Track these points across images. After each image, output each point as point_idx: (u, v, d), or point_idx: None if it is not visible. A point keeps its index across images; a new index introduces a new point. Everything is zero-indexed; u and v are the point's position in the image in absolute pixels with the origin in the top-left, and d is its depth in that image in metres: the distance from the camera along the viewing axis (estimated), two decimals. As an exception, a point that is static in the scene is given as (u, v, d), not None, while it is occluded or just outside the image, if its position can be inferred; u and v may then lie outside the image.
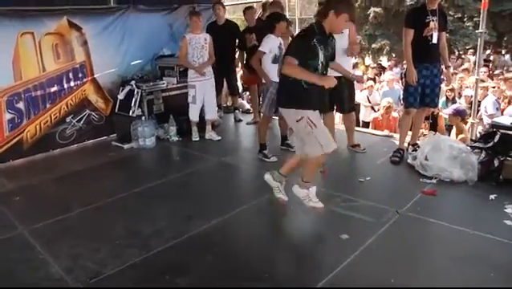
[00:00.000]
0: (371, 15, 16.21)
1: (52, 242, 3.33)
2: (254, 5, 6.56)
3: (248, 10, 6.44)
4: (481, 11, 5.16)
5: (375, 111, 8.24)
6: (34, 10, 5.25)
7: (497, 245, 3.08)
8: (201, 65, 5.64)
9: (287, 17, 5.92)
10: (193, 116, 5.86)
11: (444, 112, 7.01)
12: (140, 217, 3.71)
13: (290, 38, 4.94)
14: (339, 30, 3.30)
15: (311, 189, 3.51)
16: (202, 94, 5.74)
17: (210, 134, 5.92)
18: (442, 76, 4.81)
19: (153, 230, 3.43)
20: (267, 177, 3.76)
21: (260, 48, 4.81)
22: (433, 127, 6.86)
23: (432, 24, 4.42)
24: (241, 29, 6.58)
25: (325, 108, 3.54)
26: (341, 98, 4.92)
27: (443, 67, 4.76)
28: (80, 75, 5.82)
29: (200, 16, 5.75)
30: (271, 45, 4.76)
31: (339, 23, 3.19)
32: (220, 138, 5.87)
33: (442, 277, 2.75)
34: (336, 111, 5.36)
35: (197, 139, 5.87)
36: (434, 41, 4.47)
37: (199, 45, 5.62)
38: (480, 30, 5.21)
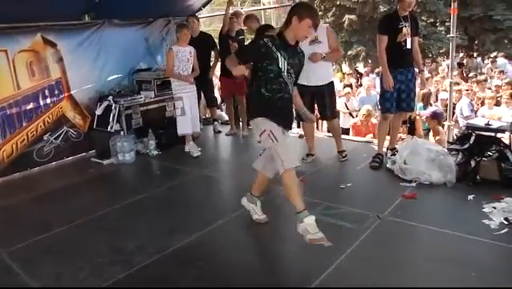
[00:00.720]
0: (346, 22, 16.43)
1: (32, 263, 3.26)
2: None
3: (231, 19, 6.41)
4: (452, 16, 5.29)
5: (353, 117, 8.33)
6: (7, 27, 5.17)
7: (477, 244, 3.13)
8: (189, 75, 5.60)
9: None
10: (185, 128, 5.64)
11: (422, 114, 7.13)
12: (122, 233, 3.67)
13: None
14: (302, 36, 3.21)
15: (258, 203, 3.61)
16: (189, 105, 5.61)
17: (192, 149, 5.79)
18: (417, 80, 4.91)
19: (136, 246, 3.39)
20: (243, 201, 3.73)
21: None
22: (411, 131, 6.96)
23: (404, 30, 4.50)
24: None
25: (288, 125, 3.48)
26: (323, 105, 4.97)
27: (417, 70, 4.85)
28: (56, 92, 5.75)
29: (189, 28, 5.71)
30: None
31: (301, 28, 3.11)
32: (200, 154, 5.68)
33: (425, 278, 2.78)
34: (320, 118, 5.39)
35: (199, 154, 5.66)
36: (408, 46, 4.56)
37: (185, 58, 5.55)
38: (451, 35, 5.35)
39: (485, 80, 9.61)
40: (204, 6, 7.38)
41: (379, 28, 4.64)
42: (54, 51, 5.68)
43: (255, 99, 3.29)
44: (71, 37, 5.84)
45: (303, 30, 3.13)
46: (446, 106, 6.68)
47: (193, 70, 5.69)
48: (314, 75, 4.73)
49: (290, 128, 3.64)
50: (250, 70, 3.39)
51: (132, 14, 6.36)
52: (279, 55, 3.13)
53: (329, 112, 5.07)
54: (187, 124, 5.63)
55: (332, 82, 5.06)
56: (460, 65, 13.88)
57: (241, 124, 6.67)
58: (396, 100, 4.70)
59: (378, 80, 8.22)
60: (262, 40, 3.16)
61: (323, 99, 4.92)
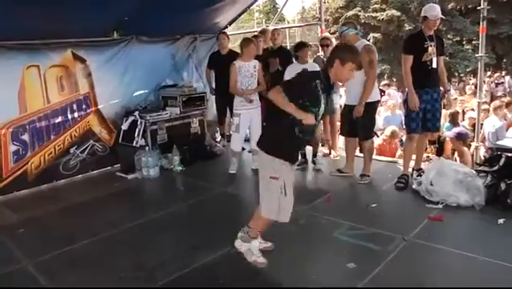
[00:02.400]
0: (371, 41, 16.42)
1: (57, 276, 3.31)
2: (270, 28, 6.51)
3: (256, 37, 6.27)
4: (480, 35, 5.21)
5: (378, 136, 8.21)
6: (40, 43, 5.34)
7: (505, 270, 3.03)
8: (247, 90, 5.38)
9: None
10: (235, 146, 5.59)
11: (446, 135, 7.00)
12: (145, 248, 3.69)
13: None
14: (344, 79, 3.19)
15: (253, 242, 3.32)
16: (247, 122, 5.47)
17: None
18: (443, 100, 4.83)
19: (158, 262, 3.40)
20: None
21: (285, 78, 5.02)
22: (440, 152, 6.83)
23: (430, 49, 4.47)
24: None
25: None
26: (356, 124, 4.95)
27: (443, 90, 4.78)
28: (84, 107, 5.87)
29: (252, 43, 5.44)
30: (291, 72, 4.93)
31: (344, 72, 3.05)
32: (234, 172, 5.65)
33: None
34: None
35: (234, 171, 5.64)
36: (434, 66, 4.52)
37: (248, 73, 5.38)
38: (480, 54, 5.26)
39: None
40: (230, 23, 7.47)
41: (404, 48, 4.61)
42: (84, 67, 5.82)
43: (284, 137, 3.07)
44: (100, 53, 5.99)
45: (345, 73, 3.07)
46: (473, 126, 6.54)
47: (259, 84, 5.51)
48: (349, 95, 4.88)
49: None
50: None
51: (159, 31, 6.47)
52: (322, 99, 3.04)
53: (360, 132, 5.00)
54: (238, 142, 5.58)
55: (369, 103, 4.79)
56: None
57: None
58: (422, 120, 4.64)
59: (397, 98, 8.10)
60: (315, 82, 2.99)
61: (355, 118, 4.88)
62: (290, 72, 5.24)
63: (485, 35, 5.21)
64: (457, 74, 16.47)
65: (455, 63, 16.17)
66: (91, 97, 5.94)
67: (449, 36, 16.40)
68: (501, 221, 3.77)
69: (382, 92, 13.60)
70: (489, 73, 17.28)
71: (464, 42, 17.47)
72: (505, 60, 17.24)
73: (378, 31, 16.41)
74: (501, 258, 3.16)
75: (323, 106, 3.06)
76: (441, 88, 4.75)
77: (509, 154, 4.34)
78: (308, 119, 2.93)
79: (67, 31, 5.43)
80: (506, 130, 7.32)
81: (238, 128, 5.46)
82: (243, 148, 6.75)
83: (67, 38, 5.59)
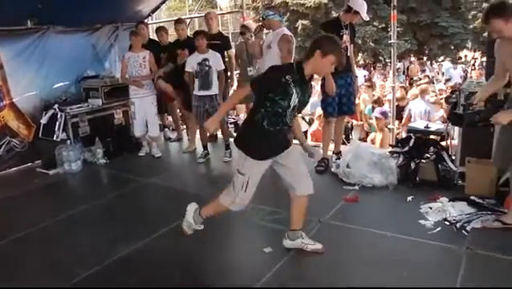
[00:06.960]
0: (300, 28, 16.71)
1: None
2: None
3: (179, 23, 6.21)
4: (392, 23, 5.50)
5: (305, 121, 8.41)
6: None
7: (411, 244, 3.27)
8: (136, 78, 5.66)
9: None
10: (135, 131, 5.96)
11: (372, 115, 7.25)
12: (64, 245, 3.61)
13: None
14: (322, 73, 3.07)
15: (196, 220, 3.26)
16: (143, 110, 5.79)
17: (153, 150, 6.00)
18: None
19: (77, 258, 3.34)
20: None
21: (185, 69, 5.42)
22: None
23: (345, 37, 4.63)
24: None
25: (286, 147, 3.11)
26: None
27: None
28: (-4, 102, 5.56)
29: (138, 35, 5.80)
30: (191, 63, 5.33)
31: (324, 65, 2.87)
32: (160, 155, 5.96)
33: (359, 279, 2.89)
34: None
35: (143, 154, 6.02)
36: (348, 53, 4.69)
37: (137, 63, 5.69)
38: (392, 41, 5.56)
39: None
40: (153, 12, 7.34)
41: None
42: (-7, 58, 5.48)
43: (253, 131, 2.99)
44: (13, 43, 5.65)
45: (325, 66, 2.90)
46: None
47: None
48: None
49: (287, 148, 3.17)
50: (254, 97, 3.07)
51: (78, 20, 6.20)
52: (294, 92, 2.85)
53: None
54: (136, 127, 5.92)
55: None
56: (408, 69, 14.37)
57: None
58: (338, 104, 4.81)
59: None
60: (284, 78, 2.82)
61: None
62: (190, 62, 5.37)
63: (407, 23, 5.51)
64: (382, 59, 17.15)
65: (379, 49, 16.79)
66: (5, 91, 5.61)
67: (374, 23, 16.98)
68: (409, 198, 4.03)
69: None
70: (412, 58, 18.21)
71: (389, 29, 18.18)
72: (425, 46, 18.20)
73: (306, 18, 16.73)
74: (406, 232, 3.39)
75: (294, 98, 2.87)
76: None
77: (418, 135, 4.61)
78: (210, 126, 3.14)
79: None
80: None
81: (134, 115, 5.86)
82: (169, 138, 6.77)
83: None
